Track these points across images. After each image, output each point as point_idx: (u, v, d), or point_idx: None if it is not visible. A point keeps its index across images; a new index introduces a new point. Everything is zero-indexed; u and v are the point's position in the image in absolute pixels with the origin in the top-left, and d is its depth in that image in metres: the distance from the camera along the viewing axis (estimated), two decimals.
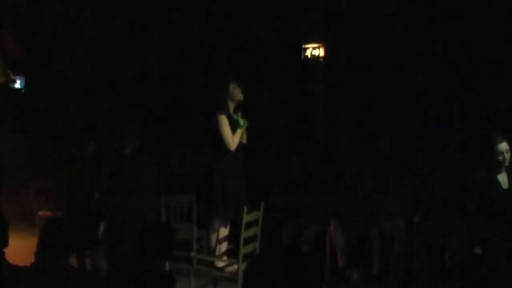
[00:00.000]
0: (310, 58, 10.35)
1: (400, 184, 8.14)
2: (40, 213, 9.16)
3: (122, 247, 6.45)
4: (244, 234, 6.64)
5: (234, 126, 6.92)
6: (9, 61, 12.14)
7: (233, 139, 6.89)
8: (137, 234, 5.24)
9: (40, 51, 12.42)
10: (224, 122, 6.86)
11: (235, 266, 6.75)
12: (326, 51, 10.27)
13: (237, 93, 7.02)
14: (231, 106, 7.02)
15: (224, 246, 7.11)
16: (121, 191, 6.74)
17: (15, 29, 12.17)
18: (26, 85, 12.44)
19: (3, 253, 3.91)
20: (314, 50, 10.32)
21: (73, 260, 7.35)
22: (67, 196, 8.23)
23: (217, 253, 7.06)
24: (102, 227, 6.92)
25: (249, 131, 7.11)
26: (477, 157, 7.02)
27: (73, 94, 12.45)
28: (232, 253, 7.02)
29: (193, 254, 6.98)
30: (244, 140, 7.08)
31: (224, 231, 7.08)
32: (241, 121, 6.95)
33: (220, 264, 6.99)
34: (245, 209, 6.65)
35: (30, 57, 12.18)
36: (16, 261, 4.05)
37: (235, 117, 6.97)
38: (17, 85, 12.45)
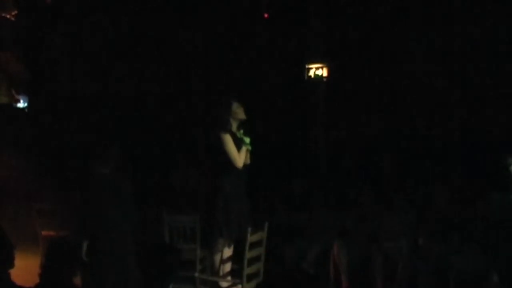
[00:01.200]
0: (314, 78, 10.39)
1: (403, 204, 8.13)
2: (44, 233, 9.13)
3: (99, 267, 6.42)
4: (248, 255, 6.62)
5: (238, 144, 6.93)
6: (13, 81, 12.19)
7: (239, 157, 6.91)
8: (114, 254, 5.24)
9: (43, 71, 12.46)
10: (229, 141, 6.88)
11: (239, 286, 6.73)
12: (329, 71, 10.31)
13: (240, 112, 7.04)
14: (234, 125, 7.04)
15: (228, 267, 7.09)
16: (98, 211, 6.64)
17: (19, 50, 12.23)
18: (30, 104, 12.48)
19: (9, 274, 3.91)
20: (318, 70, 10.37)
21: (77, 280, 7.35)
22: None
23: (220, 273, 7.04)
24: (84, 246, 6.68)
25: (251, 151, 7.12)
26: (490, 180, 7.03)
27: (76, 114, 12.47)
28: (236, 273, 7.00)
29: (196, 274, 6.96)
30: (248, 161, 7.09)
31: (227, 252, 7.06)
32: (245, 139, 6.98)
33: (224, 284, 6.96)
34: (249, 229, 6.63)
35: (33, 77, 12.22)
36: (20, 281, 4.04)
37: (238, 135, 6.99)
38: (21, 104, 12.50)
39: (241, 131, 7.06)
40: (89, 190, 6.77)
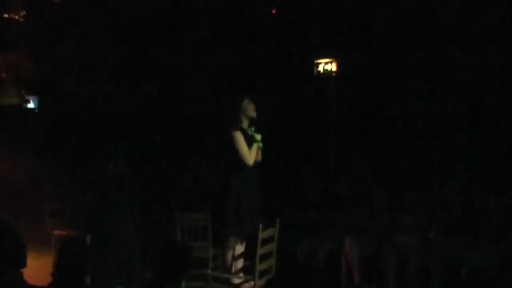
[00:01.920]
0: (323, 73, 10.36)
1: (415, 200, 8.10)
2: (56, 232, 9.15)
3: (104, 262, 6.47)
4: (260, 251, 6.63)
5: (249, 141, 6.94)
6: (22, 82, 12.22)
7: (250, 154, 6.91)
8: (117, 251, 5.27)
9: (53, 72, 12.48)
10: (240, 138, 6.89)
11: (252, 283, 6.75)
12: (338, 66, 10.28)
13: (250, 109, 7.05)
14: (245, 122, 7.05)
15: (240, 263, 7.11)
16: (105, 207, 6.78)
17: (29, 50, 12.25)
18: (40, 105, 12.50)
19: (21, 274, 3.92)
20: (327, 65, 10.34)
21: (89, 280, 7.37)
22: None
23: (233, 270, 7.05)
24: (87, 240, 6.75)
25: (263, 148, 7.12)
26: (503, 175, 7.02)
27: (86, 115, 12.49)
28: (248, 270, 7.01)
29: (209, 271, 6.97)
30: (259, 158, 7.09)
31: (239, 248, 7.07)
32: (257, 136, 6.98)
33: (236, 281, 6.98)
34: (261, 226, 6.64)
35: (43, 77, 12.24)
36: (32, 281, 4.05)
37: (249, 132, 7.00)
38: (31, 105, 12.52)
39: (252, 128, 7.07)
40: (96, 186, 6.91)
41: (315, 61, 10.39)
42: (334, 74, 10.35)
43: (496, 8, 9.45)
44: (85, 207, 7.21)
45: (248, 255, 7.02)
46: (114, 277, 6.53)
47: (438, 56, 10.02)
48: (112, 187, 6.79)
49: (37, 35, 12.20)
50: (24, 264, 3.93)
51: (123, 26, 12.30)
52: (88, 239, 6.73)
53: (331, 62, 10.31)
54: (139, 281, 6.35)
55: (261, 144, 7.03)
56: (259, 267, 6.62)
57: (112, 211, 6.73)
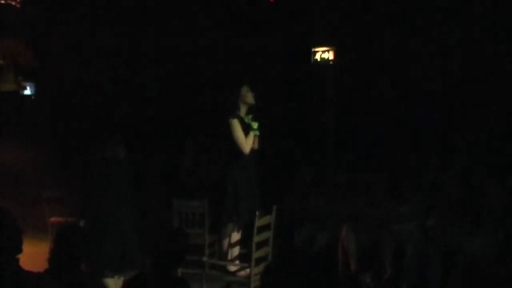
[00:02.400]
0: (320, 61, 10.34)
1: (413, 188, 8.10)
2: (52, 219, 9.16)
3: (97, 250, 6.52)
4: (256, 239, 6.63)
5: (246, 130, 6.93)
6: (19, 68, 12.19)
7: (247, 142, 6.91)
8: (111, 236, 5.30)
9: (50, 59, 12.45)
10: (236, 126, 6.88)
11: (248, 270, 6.75)
12: (335, 54, 10.26)
13: (249, 97, 7.05)
14: (243, 110, 7.04)
15: (236, 251, 7.11)
16: (98, 193, 6.93)
17: (26, 37, 12.22)
18: (36, 92, 12.47)
19: (17, 259, 3.91)
20: (324, 54, 10.31)
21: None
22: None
23: (229, 257, 7.05)
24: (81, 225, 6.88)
25: (260, 136, 7.12)
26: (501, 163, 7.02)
27: (83, 101, 12.48)
28: (244, 258, 7.01)
29: (205, 259, 6.97)
30: (256, 146, 7.09)
31: (236, 236, 7.07)
32: (253, 124, 6.97)
33: (232, 268, 6.98)
34: (257, 213, 6.64)
35: (40, 64, 12.21)
36: (29, 267, 4.04)
37: (246, 120, 6.99)
38: (28, 91, 12.50)
39: (250, 116, 7.06)
40: (90, 173, 7.09)
41: (312, 50, 10.36)
42: (331, 62, 10.32)
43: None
44: (81, 193, 7.25)
45: (245, 242, 7.03)
46: (107, 263, 6.56)
47: (438, 43, 10.00)
48: (106, 174, 6.83)
49: (34, 22, 12.16)
50: (19, 250, 3.92)
51: (121, 12, 12.26)
52: (81, 223, 6.80)
53: (328, 51, 10.28)
54: (134, 268, 6.36)
55: (257, 132, 7.02)
56: (255, 254, 6.62)
57: (108, 197, 6.76)
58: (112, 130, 7.15)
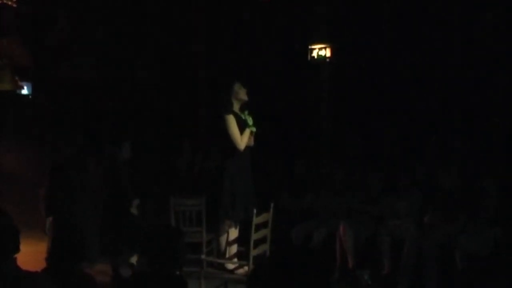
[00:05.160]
0: (317, 58, 10.35)
1: (409, 184, 8.12)
2: (51, 218, 9.16)
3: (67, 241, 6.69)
4: (254, 236, 6.63)
5: (242, 126, 6.93)
6: (16, 67, 12.19)
7: (242, 139, 6.91)
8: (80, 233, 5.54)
9: (47, 58, 12.45)
10: (231, 122, 6.88)
11: (246, 268, 6.75)
12: (332, 52, 10.26)
13: (242, 93, 7.04)
14: (236, 106, 7.04)
15: (234, 248, 7.12)
16: (63, 189, 7.41)
17: (22, 36, 12.22)
18: (33, 91, 12.47)
19: (15, 259, 3.92)
20: (321, 51, 10.32)
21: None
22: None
23: (227, 255, 7.06)
24: (48, 222, 7.48)
25: (256, 134, 7.12)
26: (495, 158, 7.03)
27: (80, 100, 12.48)
28: (242, 255, 7.02)
29: (203, 256, 6.98)
30: (251, 143, 7.09)
31: (233, 233, 7.08)
32: (249, 120, 6.98)
33: (230, 266, 6.99)
34: (255, 211, 6.64)
35: (37, 63, 12.21)
36: (27, 267, 4.05)
37: (242, 116, 7.00)
38: (25, 91, 12.50)
39: (246, 112, 7.07)
40: (57, 169, 7.57)
41: (309, 47, 10.37)
42: (328, 59, 10.33)
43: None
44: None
45: (242, 240, 7.03)
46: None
47: (435, 41, 10.00)
48: (72, 169, 7.44)
49: (29, 21, 12.16)
50: (17, 249, 3.94)
51: (117, 12, 12.26)
52: (48, 220, 7.44)
53: (325, 48, 10.29)
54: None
55: (254, 129, 7.03)
56: (253, 252, 6.62)
57: (74, 191, 7.38)
58: (108, 129, 7.25)
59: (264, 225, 6.93)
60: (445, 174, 7.86)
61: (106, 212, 8.37)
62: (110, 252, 8.00)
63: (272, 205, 6.92)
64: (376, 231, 7.96)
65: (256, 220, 6.65)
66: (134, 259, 7.79)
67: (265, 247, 6.92)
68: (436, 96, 10.05)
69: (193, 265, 6.85)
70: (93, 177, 7.33)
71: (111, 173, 8.59)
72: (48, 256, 4.44)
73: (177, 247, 4.55)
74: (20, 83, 12.42)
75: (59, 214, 7.37)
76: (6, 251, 3.87)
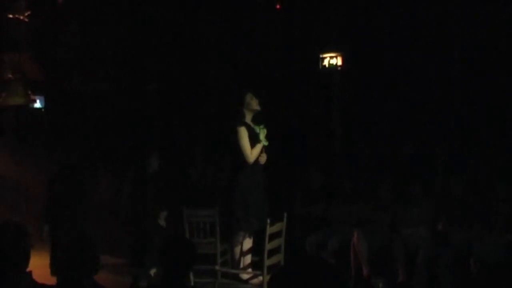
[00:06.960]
0: (328, 67, 10.33)
1: (422, 192, 8.09)
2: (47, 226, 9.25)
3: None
4: (268, 246, 6.62)
5: (253, 138, 6.87)
6: (29, 81, 12.26)
7: (252, 152, 6.85)
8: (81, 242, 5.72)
9: (58, 71, 12.52)
10: (243, 134, 6.83)
11: (260, 278, 6.74)
12: (343, 60, 10.25)
13: (254, 104, 6.99)
14: (248, 117, 7.00)
15: (248, 259, 7.09)
16: (60, 200, 8.16)
17: (34, 50, 12.29)
18: (46, 104, 12.53)
19: (30, 273, 3.92)
20: (332, 59, 10.30)
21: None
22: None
23: (241, 265, 7.04)
24: (45, 230, 8.06)
25: (268, 144, 7.05)
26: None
27: (92, 113, 12.53)
28: (256, 265, 7.00)
29: (217, 267, 6.96)
30: (263, 161, 6.98)
31: (247, 244, 7.05)
32: (262, 134, 6.89)
33: (244, 276, 6.97)
34: (268, 220, 6.63)
35: (49, 77, 12.28)
36: (42, 280, 4.06)
37: (256, 129, 6.93)
38: (37, 104, 12.56)
39: (261, 126, 6.99)
40: (54, 180, 8.31)
41: (320, 56, 10.36)
42: (339, 68, 10.32)
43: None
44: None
45: (256, 250, 7.01)
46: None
47: (447, 50, 9.97)
48: (67, 179, 8.20)
49: (41, 35, 12.24)
50: (27, 264, 3.93)
51: (125, 25, 12.31)
52: (45, 228, 8.03)
53: (336, 57, 10.28)
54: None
55: (266, 143, 6.95)
56: (268, 262, 6.61)
57: (68, 201, 8.09)
58: (121, 140, 7.33)
59: (278, 234, 6.91)
60: (457, 182, 7.83)
61: (133, 223, 8.59)
62: (132, 264, 8.12)
63: (285, 214, 6.91)
64: (390, 240, 7.93)
65: (269, 230, 6.63)
66: (153, 271, 7.82)
67: (279, 257, 6.91)
68: (449, 104, 10.02)
69: (207, 275, 6.84)
70: (105, 190, 7.69)
71: (140, 186, 8.77)
72: (51, 264, 4.44)
73: (189, 258, 4.53)
74: (33, 97, 12.48)
75: (56, 223, 8.03)
76: (21, 266, 3.88)
